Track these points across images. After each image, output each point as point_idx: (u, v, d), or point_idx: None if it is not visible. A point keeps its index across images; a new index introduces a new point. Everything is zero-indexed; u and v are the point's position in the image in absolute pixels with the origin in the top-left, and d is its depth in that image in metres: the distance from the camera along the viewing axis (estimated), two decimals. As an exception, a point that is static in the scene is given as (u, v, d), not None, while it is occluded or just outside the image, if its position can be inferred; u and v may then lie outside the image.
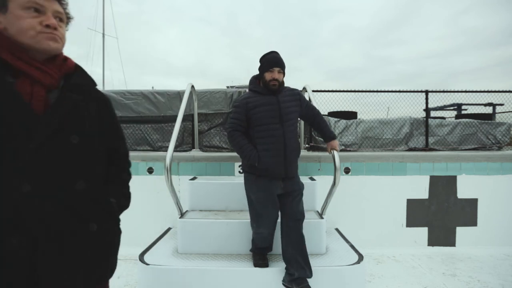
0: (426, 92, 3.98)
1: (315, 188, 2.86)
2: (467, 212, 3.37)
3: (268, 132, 2.02)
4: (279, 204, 2.11)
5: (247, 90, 3.92)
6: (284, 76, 2.11)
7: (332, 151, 2.29)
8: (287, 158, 2.03)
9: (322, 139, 3.91)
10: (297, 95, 2.19)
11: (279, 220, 2.16)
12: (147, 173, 3.34)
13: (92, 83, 1.05)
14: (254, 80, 2.17)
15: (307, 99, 3.65)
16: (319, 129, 2.30)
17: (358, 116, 4.41)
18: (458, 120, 4.22)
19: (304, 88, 3.30)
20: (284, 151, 2.02)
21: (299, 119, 2.29)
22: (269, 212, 2.09)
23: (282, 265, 2.12)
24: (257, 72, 2.18)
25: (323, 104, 4.01)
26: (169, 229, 3.12)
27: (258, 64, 2.14)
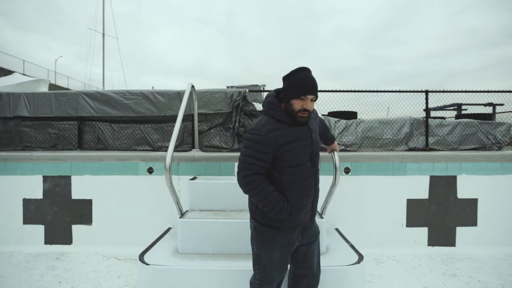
0: (426, 92, 3.98)
1: (315, 188, 2.86)
2: (467, 212, 3.37)
3: (301, 174, 1.57)
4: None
5: (247, 90, 3.96)
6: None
7: (332, 152, 2.22)
8: (315, 202, 1.68)
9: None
10: (317, 119, 1.77)
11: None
12: (147, 173, 3.34)
13: None
14: (277, 102, 1.56)
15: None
16: (322, 135, 2.02)
17: (358, 116, 4.41)
18: (458, 120, 4.22)
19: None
20: (314, 195, 1.65)
21: None
22: (283, 274, 1.70)
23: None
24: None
25: (323, 104, 4.01)
26: (169, 229, 3.12)
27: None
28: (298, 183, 1.56)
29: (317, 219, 2.52)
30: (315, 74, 1.55)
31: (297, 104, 1.49)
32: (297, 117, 1.50)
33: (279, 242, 1.59)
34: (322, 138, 2.01)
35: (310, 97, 1.49)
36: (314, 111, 1.68)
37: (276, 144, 1.49)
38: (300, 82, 1.49)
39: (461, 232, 3.37)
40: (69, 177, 3.42)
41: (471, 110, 5.55)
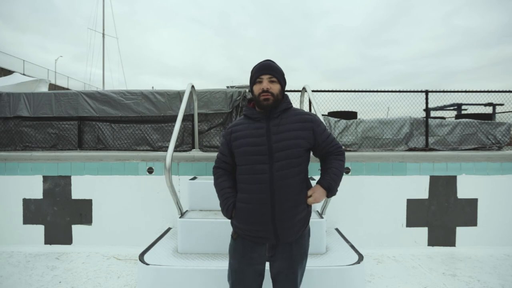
0: (426, 92, 3.98)
1: (315, 188, 2.86)
2: (467, 212, 3.37)
3: (252, 177, 1.41)
4: (262, 278, 1.52)
5: (247, 90, 3.95)
6: (282, 87, 1.50)
7: (311, 196, 1.47)
8: (278, 215, 1.38)
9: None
10: (308, 122, 1.48)
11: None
12: (147, 173, 3.34)
13: None
14: (246, 102, 1.65)
15: (308, 101, 3.63)
16: (325, 169, 1.56)
17: (358, 116, 4.41)
18: (458, 120, 4.22)
19: (304, 88, 3.29)
20: (271, 204, 1.38)
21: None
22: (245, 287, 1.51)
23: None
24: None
25: (323, 104, 4.01)
26: (169, 229, 3.12)
27: (252, 63, 1.60)
28: (248, 186, 1.43)
29: (317, 219, 2.53)
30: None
31: (257, 89, 1.47)
32: (260, 102, 1.45)
33: (237, 249, 1.49)
34: (318, 155, 1.60)
35: (265, 77, 1.45)
36: (312, 117, 1.51)
37: (231, 138, 1.50)
38: (254, 68, 1.51)
39: (461, 232, 3.37)
40: (69, 177, 3.42)
41: (471, 110, 5.55)
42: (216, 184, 1.56)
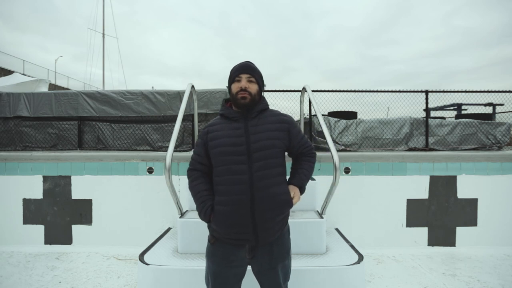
0: (426, 92, 3.98)
1: (315, 188, 2.86)
2: (467, 212, 3.37)
3: (230, 177, 1.38)
4: (242, 279, 1.51)
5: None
6: (259, 88, 1.50)
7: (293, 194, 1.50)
8: (258, 216, 1.36)
9: (322, 139, 3.91)
10: (285, 123, 1.49)
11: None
12: (147, 173, 3.34)
13: None
14: (224, 102, 1.59)
15: (308, 101, 3.62)
16: (295, 168, 1.58)
17: (358, 116, 4.41)
18: (458, 120, 4.22)
19: (304, 88, 3.29)
20: (251, 205, 1.35)
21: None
22: None
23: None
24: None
25: (323, 104, 4.01)
26: (169, 229, 3.12)
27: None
28: (226, 187, 1.39)
29: (317, 219, 2.53)
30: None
31: (235, 87, 1.46)
32: (238, 101, 1.44)
33: (216, 253, 1.44)
34: (292, 155, 1.62)
35: (244, 76, 1.46)
36: (288, 119, 1.52)
37: (208, 138, 1.46)
38: (233, 68, 1.51)
39: (461, 232, 3.37)
40: (69, 177, 3.42)
41: (471, 110, 5.55)
42: (192, 187, 1.50)
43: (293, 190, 1.49)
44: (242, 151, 1.38)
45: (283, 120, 1.50)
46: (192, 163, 1.53)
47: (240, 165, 1.37)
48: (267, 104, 1.54)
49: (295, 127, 1.53)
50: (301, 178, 1.53)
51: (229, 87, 1.51)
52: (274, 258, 1.45)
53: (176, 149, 3.22)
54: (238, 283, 1.49)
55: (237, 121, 1.45)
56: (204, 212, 1.42)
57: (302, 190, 1.54)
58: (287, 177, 1.54)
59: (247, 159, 1.37)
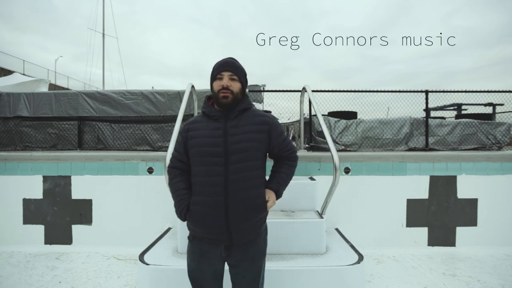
0: (426, 92, 3.98)
1: (315, 188, 2.86)
2: (467, 212, 3.37)
3: (206, 178, 1.37)
4: (222, 278, 1.52)
5: (247, 90, 3.95)
6: (242, 86, 1.47)
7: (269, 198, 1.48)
8: (232, 218, 1.35)
9: (322, 139, 3.91)
10: (265, 125, 1.44)
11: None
12: (147, 173, 3.34)
13: None
14: (206, 99, 1.54)
15: (308, 101, 3.62)
16: (274, 172, 1.56)
17: (358, 116, 4.42)
18: (458, 120, 4.22)
19: (304, 88, 3.30)
20: (225, 206, 1.34)
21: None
22: None
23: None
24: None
25: (323, 104, 4.01)
26: (169, 229, 3.12)
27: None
28: (202, 188, 1.38)
29: (317, 219, 2.53)
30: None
31: (216, 85, 1.42)
32: (219, 99, 1.40)
33: (195, 251, 1.46)
34: (272, 157, 1.58)
35: (226, 74, 1.42)
36: (269, 120, 1.47)
37: (187, 136, 1.45)
38: (215, 64, 1.48)
39: (461, 232, 3.37)
40: (69, 177, 3.42)
41: (471, 110, 5.55)
42: (171, 185, 1.50)
43: (269, 194, 1.47)
44: (219, 153, 1.36)
45: (264, 121, 1.45)
46: (173, 160, 1.53)
47: (216, 167, 1.35)
48: (250, 103, 1.49)
49: (276, 129, 1.48)
50: (279, 183, 1.51)
51: (211, 84, 1.47)
52: (250, 259, 1.45)
53: (176, 149, 3.22)
54: (217, 281, 1.49)
55: (217, 120, 1.42)
56: (180, 211, 1.43)
57: (278, 195, 1.51)
58: (268, 178, 1.53)
59: (223, 161, 1.35)
